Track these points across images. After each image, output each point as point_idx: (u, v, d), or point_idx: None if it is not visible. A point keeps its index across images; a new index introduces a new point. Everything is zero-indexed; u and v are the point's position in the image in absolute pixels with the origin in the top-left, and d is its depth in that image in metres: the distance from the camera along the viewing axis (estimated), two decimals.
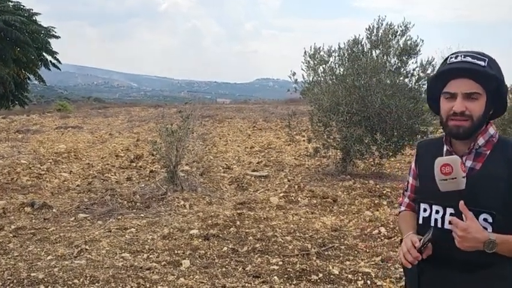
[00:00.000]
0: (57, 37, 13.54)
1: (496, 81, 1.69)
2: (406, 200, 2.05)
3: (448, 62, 1.73)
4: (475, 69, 1.66)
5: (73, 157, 11.52)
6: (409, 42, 9.40)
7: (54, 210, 6.99)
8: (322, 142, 9.67)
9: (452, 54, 1.74)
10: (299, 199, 7.39)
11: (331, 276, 4.45)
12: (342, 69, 9.56)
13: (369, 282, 4.34)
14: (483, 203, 1.67)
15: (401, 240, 1.95)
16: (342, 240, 5.54)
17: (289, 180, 8.91)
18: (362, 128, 9.00)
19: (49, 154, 11.69)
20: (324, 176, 9.20)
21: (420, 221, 1.84)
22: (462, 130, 1.69)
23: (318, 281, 4.37)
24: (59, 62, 13.95)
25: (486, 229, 1.64)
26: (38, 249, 5.24)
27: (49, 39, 13.50)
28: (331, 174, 9.25)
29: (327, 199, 7.30)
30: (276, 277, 4.41)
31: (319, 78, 9.75)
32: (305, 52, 9.66)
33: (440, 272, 1.77)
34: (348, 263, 4.83)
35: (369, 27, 9.53)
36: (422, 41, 9.41)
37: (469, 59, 1.68)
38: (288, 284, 4.28)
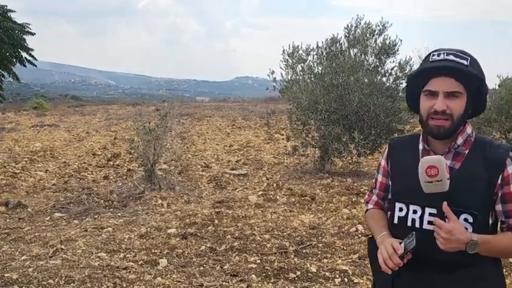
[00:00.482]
0: (32, 34, 13.33)
1: (477, 81, 1.68)
2: (375, 197, 2.02)
3: (430, 59, 1.71)
4: (458, 68, 1.65)
5: (49, 156, 11.34)
6: (387, 42, 9.48)
7: (29, 209, 6.88)
8: (300, 140, 9.70)
9: (434, 51, 1.73)
10: (277, 197, 7.40)
11: (309, 274, 4.47)
12: (320, 68, 9.60)
13: (346, 279, 4.38)
14: (464, 203, 1.67)
15: (369, 239, 1.94)
16: (320, 238, 5.57)
17: (267, 179, 8.92)
18: (340, 126, 9.06)
19: (24, 153, 11.48)
20: (303, 174, 9.23)
21: (395, 221, 1.81)
22: (443, 130, 1.68)
23: (296, 279, 4.38)
24: (35, 59, 13.74)
25: (467, 229, 1.65)
26: (12, 249, 5.14)
27: (24, 36, 13.28)
28: (310, 172, 9.29)
29: (305, 197, 7.33)
30: (253, 275, 4.41)
31: (297, 77, 9.77)
32: (283, 51, 9.66)
33: (418, 273, 1.74)
34: (325, 260, 4.86)
35: (347, 26, 9.60)
36: (401, 40, 9.51)
37: (451, 57, 1.67)
38: (265, 283, 4.29)
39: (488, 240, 1.65)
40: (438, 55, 1.69)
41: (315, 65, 9.66)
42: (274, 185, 8.05)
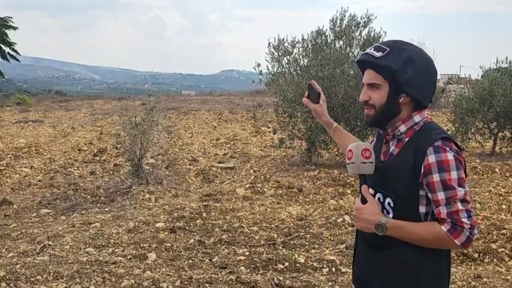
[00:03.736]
0: (14, 28, 13.13)
1: (390, 72, 1.72)
2: None
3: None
4: (369, 60, 1.76)
5: (34, 152, 11.23)
6: (372, 34, 9.55)
7: (15, 206, 6.82)
8: (287, 133, 9.74)
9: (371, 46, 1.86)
10: (265, 190, 7.43)
11: (297, 264, 4.51)
12: (306, 60, 9.63)
13: (333, 269, 4.43)
14: (389, 187, 1.76)
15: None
16: (307, 229, 5.61)
17: (255, 171, 8.95)
18: None
19: (8, 149, 11.36)
20: (290, 166, 9.28)
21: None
22: (368, 118, 1.82)
23: (284, 269, 4.42)
24: (18, 53, 13.54)
25: (388, 213, 1.74)
26: None
27: (6, 30, 13.07)
28: (297, 164, 9.33)
29: (293, 189, 7.37)
30: (242, 267, 4.44)
31: (283, 70, 9.79)
32: (269, 43, 9.68)
33: (359, 249, 1.93)
34: (313, 251, 4.91)
35: (332, 18, 9.65)
36: (385, 32, 9.61)
37: (370, 50, 1.77)
38: (254, 274, 4.32)
39: (402, 226, 1.69)
40: (365, 49, 1.87)
41: (301, 57, 9.69)
42: (262, 177, 8.08)
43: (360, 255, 1.92)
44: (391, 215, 1.74)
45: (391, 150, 1.80)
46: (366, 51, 1.79)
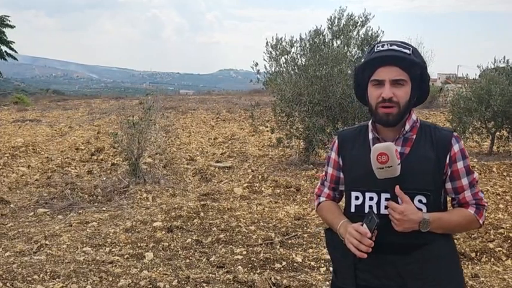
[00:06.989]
0: (11, 26, 13.09)
1: (420, 69, 1.77)
2: (326, 190, 2.06)
3: (375, 50, 1.79)
4: (402, 56, 1.74)
5: (31, 151, 11.20)
6: (369, 33, 9.55)
7: (11, 205, 6.80)
8: (285, 132, 9.73)
9: (379, 43, 1.81)
10: (263, 189, 7.43)
11: (295, 264, 4.51)
12: (303, 60, 9.62)
13: (331, 269, 4.41)
14: (416, 185, 1.75)
15: (326, 230, 1.98)
16: (305, 228, 5.61)
17: (252, 171, 8.94)
18: (324, 117, 9.10)
19: (6, 148, 11.33)
20: (287, 165, 9.27)
21: (352, 209, 1.86)
22: (391, 117, 1.75)
23: (282, 269, 4.42)
24: (15, 52, 13.51)
25: (421, 210, 1.73)
26: None
27: (3, 29, 13.04)
28: (294, 163, 9.33)
29: (290, 188, 7.37)
30: (240, 267, 4.44)
31: (281, 69, 9.78)
32: (267, 43, 9.67)
33: (377, 257, 1.77)
34: (310, 250, 4.90)
35: (330, 17, 9.64)
36: (383, 31, 9.60)
37: (395, 47, 1.76)
38: (252, 273, 4.31)
39: (439, 217, 1.75)
40: (382, 46, 1.78)
41: (299, 56, 9.68)
42: (260, 176, 8.07)
43: (375, 266, 1.80)
44: (424, 211, 1.73)
45: (400, 150, 1.78)
46: (391, 48, 1.75)
